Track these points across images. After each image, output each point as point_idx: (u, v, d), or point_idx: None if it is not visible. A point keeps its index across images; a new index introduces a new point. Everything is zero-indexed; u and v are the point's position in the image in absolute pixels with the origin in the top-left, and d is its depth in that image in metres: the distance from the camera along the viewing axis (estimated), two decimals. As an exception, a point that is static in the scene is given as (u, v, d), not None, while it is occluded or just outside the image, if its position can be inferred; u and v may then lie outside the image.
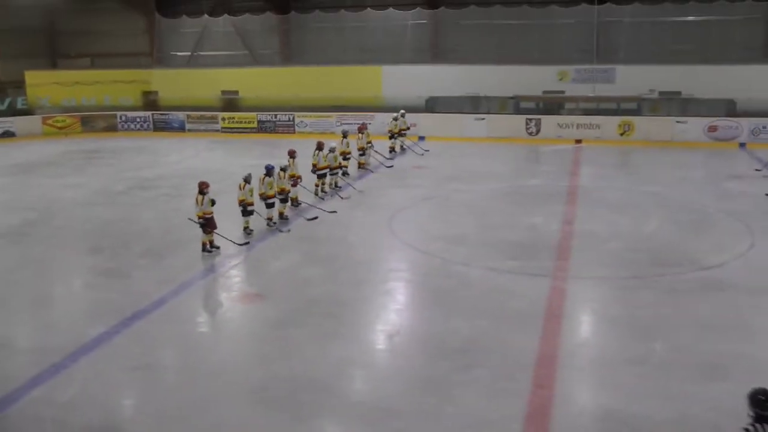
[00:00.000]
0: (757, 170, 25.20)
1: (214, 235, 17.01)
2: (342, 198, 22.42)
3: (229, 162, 28.14)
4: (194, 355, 11.84)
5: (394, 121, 30.28)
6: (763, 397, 7.26)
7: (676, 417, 9.69)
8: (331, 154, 22.75)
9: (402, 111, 31.01)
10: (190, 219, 16.90)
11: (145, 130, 40.23)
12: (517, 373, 10.91)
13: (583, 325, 13.28)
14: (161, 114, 40.64)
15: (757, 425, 7.08)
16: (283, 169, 19.46)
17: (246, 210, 18.06)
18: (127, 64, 43.61)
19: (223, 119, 38.96)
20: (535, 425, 9.55)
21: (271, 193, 18.77)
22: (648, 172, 26.84)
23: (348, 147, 24.82)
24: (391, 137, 30.12)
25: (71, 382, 10.91)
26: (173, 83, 41.66)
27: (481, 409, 9.90)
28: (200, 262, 16.49)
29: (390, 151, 29.85)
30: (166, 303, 14.00)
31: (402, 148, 30.62)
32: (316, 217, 19.08)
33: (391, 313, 13.67)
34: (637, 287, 14.69)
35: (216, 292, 15.24)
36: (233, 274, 16.10)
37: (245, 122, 38.55)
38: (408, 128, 31.28)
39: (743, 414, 9.59)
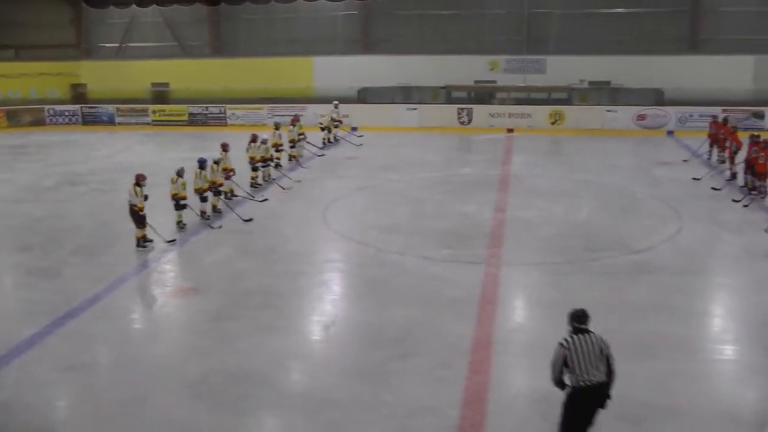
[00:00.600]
0: (684, 161, 25.69)
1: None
2: (284, 188, 22.41)
3: (160, 156, 27.80)
4: (130, 352, 11.65)
5: (332, 111, 30.21)
6: (581, 314, 8.51)
7: (608, 397, 9.84)
8: (264, 146, 22.60)
9: (336, 102, 30.92)
10: (134, 207, 16.56)
11: (74, 124, 39.38)
12: (454, 359, 10.98)
13: (518, 311, 13.41)
14: (90, 107, 39.84)
15: (574, 336, 8.33)
16: (216, 162, 19.23)
17: (179, 204, 17.80)
18: (54, 56, 42.73)
19: (154, 112, 38.42)
20: (472, 410, 9.61)
21: (205, 186, 18.58)
22: (579, 159, 27.23)
23: (280, 139, 24.68)
24: (322, 129, 30.04)
25: (2, 386, 10.57)
26: (102, 75, 41.02)
27: (418, 397, 9.94)
28: (134, 258, 16.23)
29: (323, 143, 29.80)
30: (100, 300, 13.72)
31: (336, 139, 30.54)
32: (251, 219, 18.87)
33: (327, 304, 13.63)
34: (570, 272, 14.93)
35: (150, 288, 14.98)
36: (167, 269, 15.88)
37: (176, 115, 38.06)
38: (341, 120, 31.20)
39: (673, 389, 10.02)
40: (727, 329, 12.56)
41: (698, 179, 22.91)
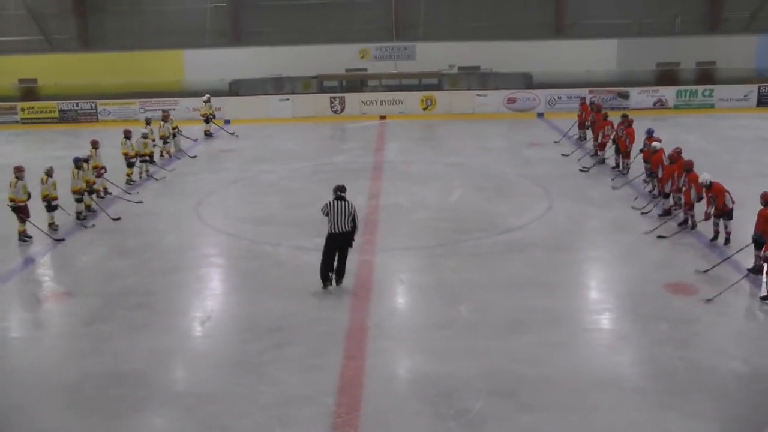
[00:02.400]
0: (556, 142, 26.18)
1: (27, 224, 16.37)
2: (157, 179, 22.05)
3: (30, 155, 26.62)
4: (2, 362, 11.15)
5: (204, 104, 29.69)
6: (341, 187, 13.01)
7: (482, 372, 10.05)
8: (142, 140, 22.10)
9: (207, 95, 30.35)
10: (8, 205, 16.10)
11: (-64, 123, 37.37)
12: (329, 347, 10.97)
13: (392, 296, 13.41)
14: (-48, 106, 37.89)
15: (334, 201, 12.83)
16: (86, 161, 18.52)
17: (50, 205, 17.09)
18: None
19: (23, 110, 36.66)
20: (347, 396, 9.60)
21: (83, 187, 17.97)
22: (451, 144, 27.45)
23: (152, 134, 24.08)
24: (206, 121, 29.56)
25: None
26: (-38, 72, 39.20)
27: (294, 386, 9.89)
28: (3, 265, 15.36)
29: (205, 135, 29.47)
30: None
31: (209, 133, 29.97)
32: (119, 218, 18.31)
33: (203, 299, 13.40)
34: (443, 254, 15.06)
35: (21, 295, 14.17)
36: (40, 274, 15.24)
37: (46, 112, 36.51)
38: (213, 114, 30.63)
39: (546, 360, 10.23)
40: (598, 300, 12.96)
41: (567, 155, 23.71)
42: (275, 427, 8.98)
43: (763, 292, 12.43)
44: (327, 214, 12.82)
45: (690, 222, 15.76)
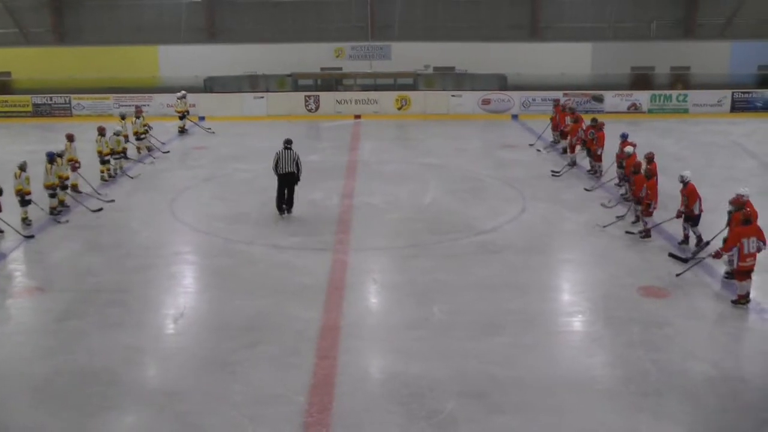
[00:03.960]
0: (531, 145, 26.25)
1: None
2: (131, 177, 21.90)
3: (5, 149, 26.40)
4: (-28, 358, 11.03)
5: (179, 100, 29.51)
6: (288, 140, 17.81)
7: (454, 373, 10.06)
8: (115, 137, 21.88)
9: (183, 92, 30.12)
10: None
11: None
12: (302, 346, 10.94)
13: (365, 295, 13.36)
14: None
15: (282, 150, 17.62)
16: (60, 155, 18.33)
17: (24, 200, 16.97)
18: None
19: (-5, 103, 36.28)
20: (319, 395, 9.57)
21: (56, 182, 17.83)
22: (425, 144, 27.48)
23: (125, 130, 23.89)
24: (181, 117, 29.43)
25: None
26: (-66, 65, 38.64)
27: (266, 385, 9.85)
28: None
29: (180, 131, 29.33)
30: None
31: (184, 130, 29.79)
32: (101, 209, 18.19)
33: (176, 297, 13.32)
34: (417, 255, 15.04)
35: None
36: (11, 269, 15.00)
37: (19, 106, 36.11)
38: (188, 111, 30.42)
39: (518, 362, 10.30)
40: (571, 302, 12.97)
41: (540, 151, 24.44)
42: (246, 425, 8.94)
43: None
44: (277, 160, 17.54)
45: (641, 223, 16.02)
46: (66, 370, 10.36)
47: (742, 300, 12.30)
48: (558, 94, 31.93)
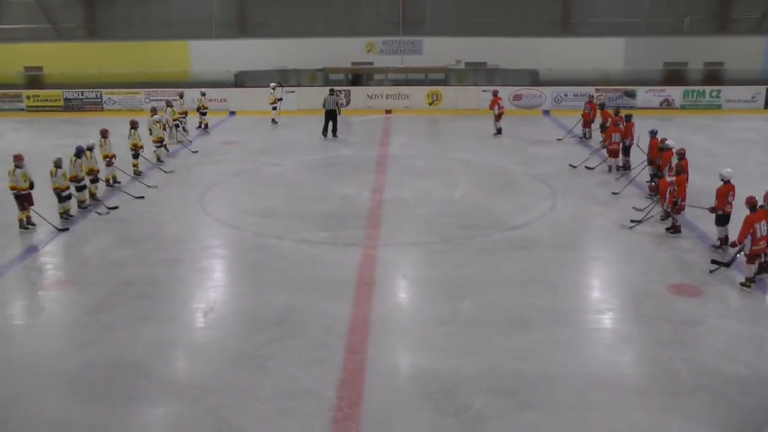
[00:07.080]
0: (559, 140, 26.15)
1: (32, 212, 16.42)
2: (166, 172, 22.04)
3: (37, 143, 26.63)
4: (5, 349, 11.13)
5: (202, 97, 29.62)
6: (333, 88, 28.28)
7: (484, 369, 10.01)
8: (154, 123, 22.68)
9: (203, 90, 30.20)
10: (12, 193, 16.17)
11: (-59, 110, 37.35)
12: (331, 341, 10.93)
13: (395, 290, 13.33)
14: (-41, 93, 37.81)
15: (328, 96, 27.25)
16: (90, 149, 18.53)
17: (61, 196, 17.14)
18: None
19: (28, 97, 36.59)
20: (349, 390, 9.56)
21: (82, 175, 17.94)
22: (456, 139, 27.43)
23: (165, 120, 24.22)
24: (202, 113, 29.53)
25: None
26: (-30, 60, 39.05)
27: (296, 379, 9.85)
28: (8, 251, 15.38)
29: (198, 127, 29.44)
30: (-27, 297, 13.07)
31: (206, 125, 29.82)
32: (142, 197, 18.40)
33: (206, 291, 13.33)
34: (447, 250, 15.00)
35: (26, 282, 14.15)
36: (44, 261, 15.18)
37: (51, 100, 36.47)
38: (207, 107, 30.27)
39: (547, 359, 10.22)
40: (600, 300, 12.86)
41: (560, 139, 25.00)
42: (275, 420, 8.96)
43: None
44: (324, 100, 27.14)
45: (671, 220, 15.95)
46: (96, 363, 10.43)
47: (749, 282, 12.74)
48: (590, 90, 31.78)
